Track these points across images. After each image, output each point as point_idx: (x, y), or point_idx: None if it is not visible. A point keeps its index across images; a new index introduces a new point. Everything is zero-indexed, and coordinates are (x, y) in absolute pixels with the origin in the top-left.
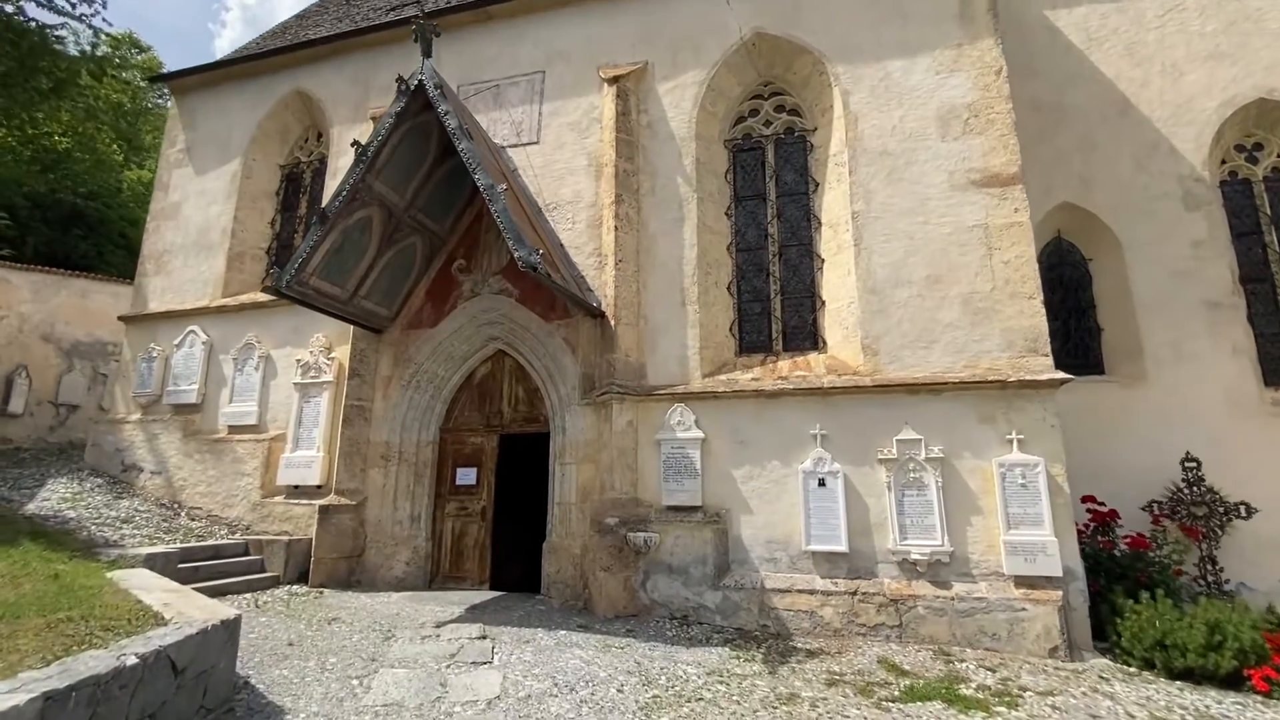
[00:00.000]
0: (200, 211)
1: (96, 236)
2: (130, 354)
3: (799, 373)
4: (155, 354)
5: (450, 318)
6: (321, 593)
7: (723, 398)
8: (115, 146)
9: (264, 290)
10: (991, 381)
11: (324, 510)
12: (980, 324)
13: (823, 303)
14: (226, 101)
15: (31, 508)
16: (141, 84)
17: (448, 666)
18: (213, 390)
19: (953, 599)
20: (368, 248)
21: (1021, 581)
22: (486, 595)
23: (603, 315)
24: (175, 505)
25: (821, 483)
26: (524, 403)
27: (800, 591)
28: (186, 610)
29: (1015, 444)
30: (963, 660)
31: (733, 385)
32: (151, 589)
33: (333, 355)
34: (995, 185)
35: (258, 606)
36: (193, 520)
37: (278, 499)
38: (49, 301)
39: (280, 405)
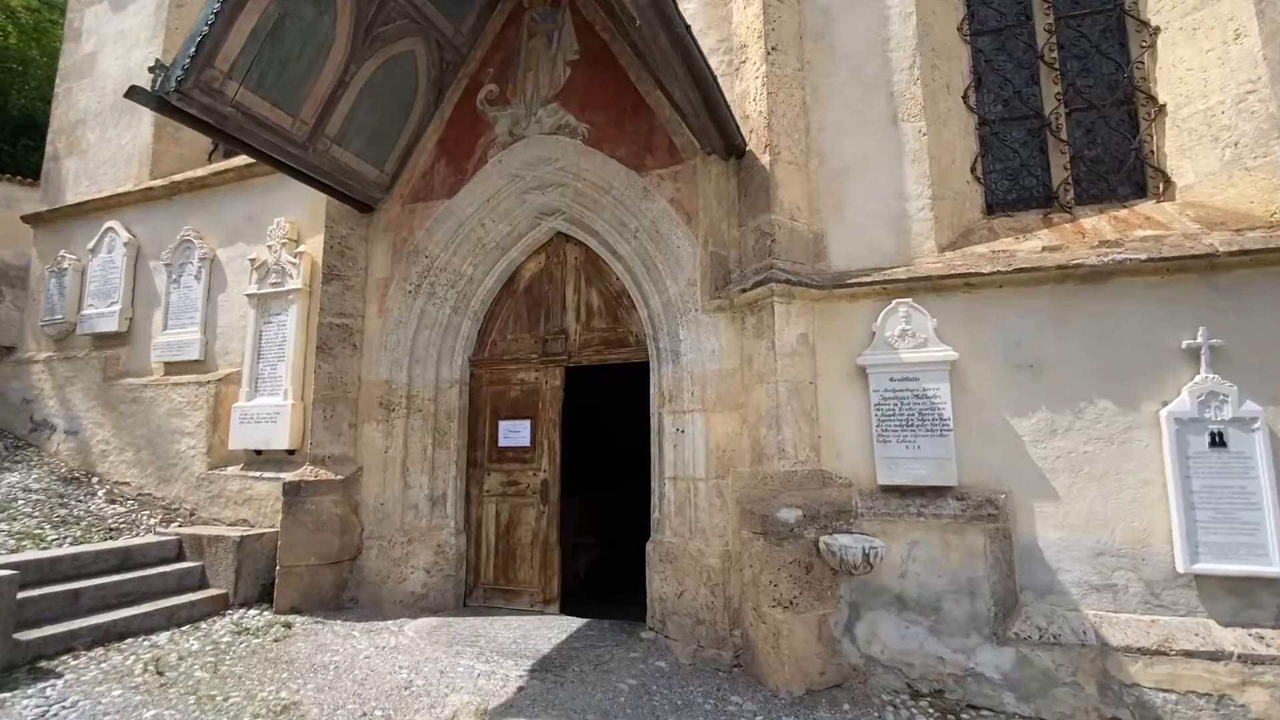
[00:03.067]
0: (119, 60)
1: None
2: (40, 268)
3: (1140, 232)
4: (66, 265)
5: (477, 181)
6: (289, 627)
7: (983, 286)
8: None
9: (130, 97)
10: None
11: (292, 490)
12: None
13: (1158, 109)
14: None
15: None
16: None
17: None
18: (142, 313)
19: None
20: (330, 41)
21: None
22: (557, 627)
23: (742, 152)
24: (91, 480)
25: (1217, 439)
26: (601, 315)
27: (1187, 654)
28: None
29: None
30: None
31: (1006, 260)
32: None
33: (301, 250)
34: None
35: (158, 672)
36: (113, 502)
37: (231, 470)
38: None
39: (233, 330)
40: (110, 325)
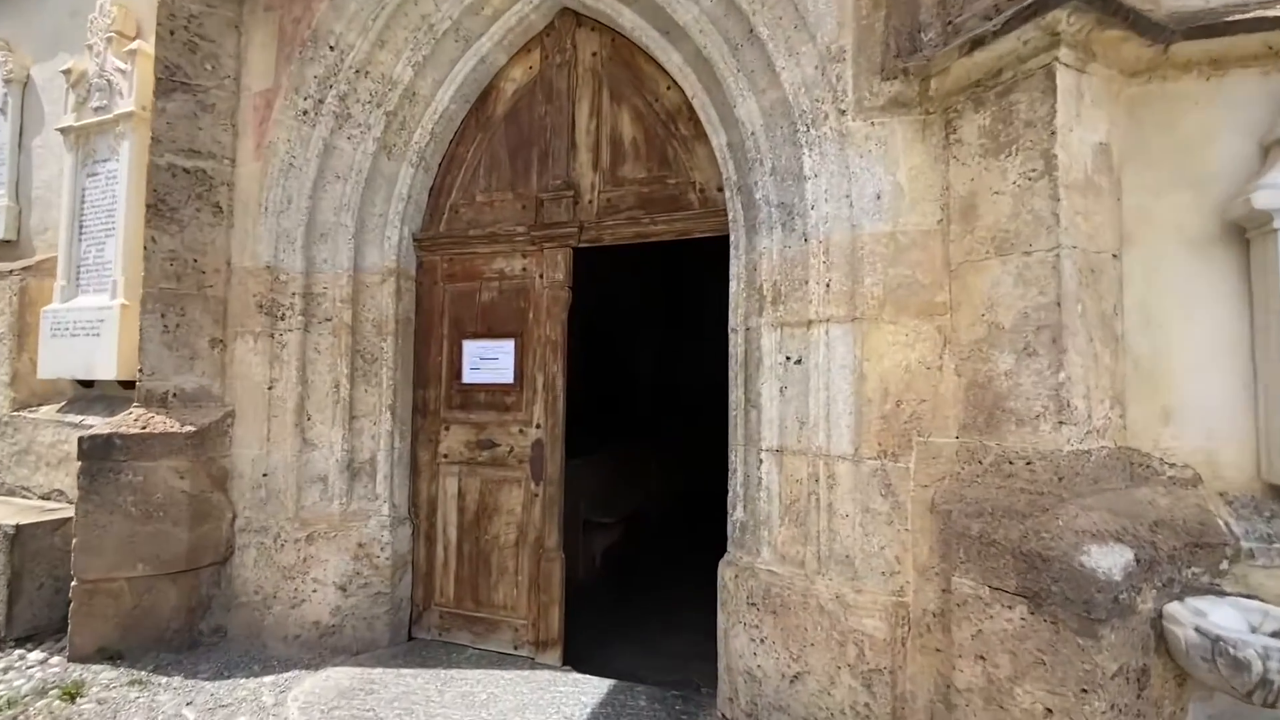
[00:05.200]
0: None
1: None
2: None
3: None
4: None
5: None
6: (74, 696)
7: None
8: None
9: None
10: None
11: (98, 450)
12: None
13: None
14: None
15: None
16: None
17: None
18: None
19: None
20: None
21: None
22: (557, 707)
23: None
24: None
25: None
26: (638, 155)
27: None
28: None
29: None
30: None
31: None
32: None
33: (135, 47)
34: None
35: None
36: None
37: (45, 411)
38: None
39: (55, 192)
40: None
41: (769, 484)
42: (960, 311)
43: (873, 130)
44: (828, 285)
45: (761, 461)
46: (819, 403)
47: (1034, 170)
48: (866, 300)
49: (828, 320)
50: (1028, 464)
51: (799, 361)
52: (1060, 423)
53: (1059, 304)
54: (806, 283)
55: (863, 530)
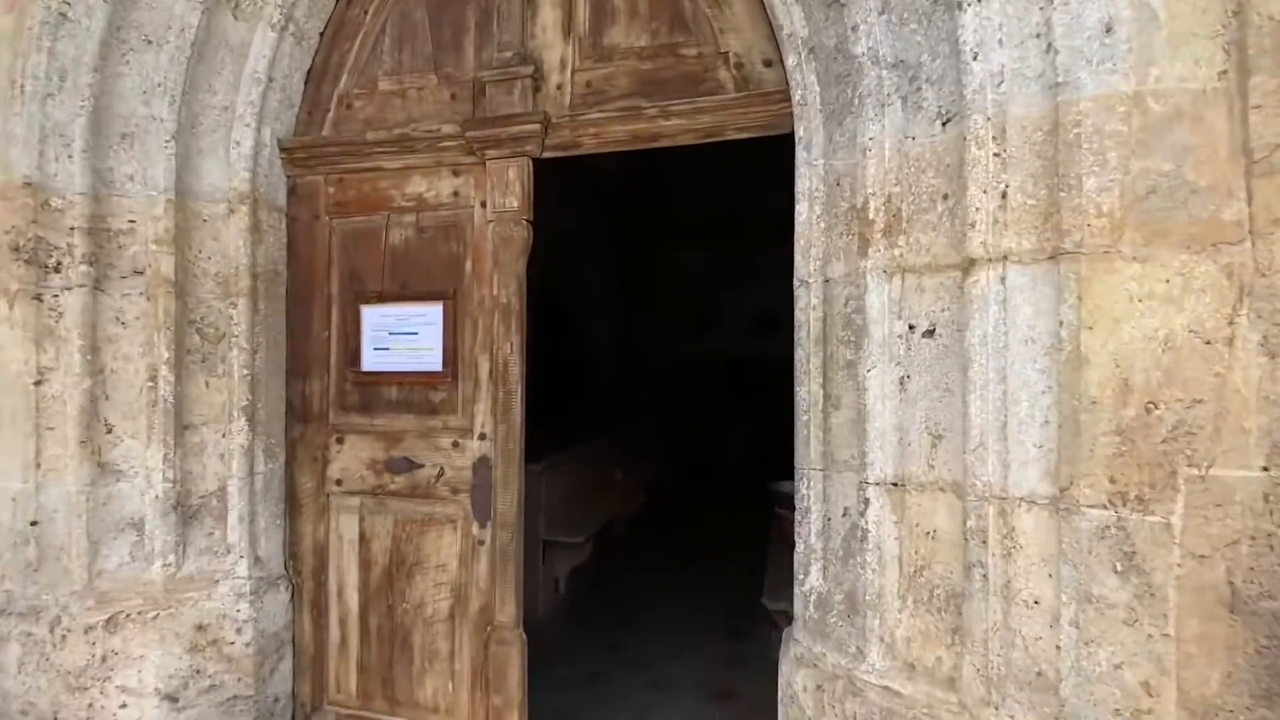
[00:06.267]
0: None
1: None
2: None
3: None
4: None
5: None
6: None
7: None
8: None
9: None
10: None
11: None
12: None
13: None
14: None
15: None
16: None
17: None
18: None
19: None
20: None
21: None
22: None
23: None
24: None
25: None
26: (635, 13)
27: None
28: None
29: None
30: None
31: None
32: None
33: None
34: None
35: None
36: None
37: None
38: None
39: None
40: None
41: (878, 539)
42: (1276, 237)
43: None
44: (1003, 195)
45: (868, 501)
46: (984, 404)
47: None
48: (1085, 220)
49: (1002, 259)
50: None
51: (931, 333)
52: None
53: None
54: (953, 195)
55: (1076, 632)
